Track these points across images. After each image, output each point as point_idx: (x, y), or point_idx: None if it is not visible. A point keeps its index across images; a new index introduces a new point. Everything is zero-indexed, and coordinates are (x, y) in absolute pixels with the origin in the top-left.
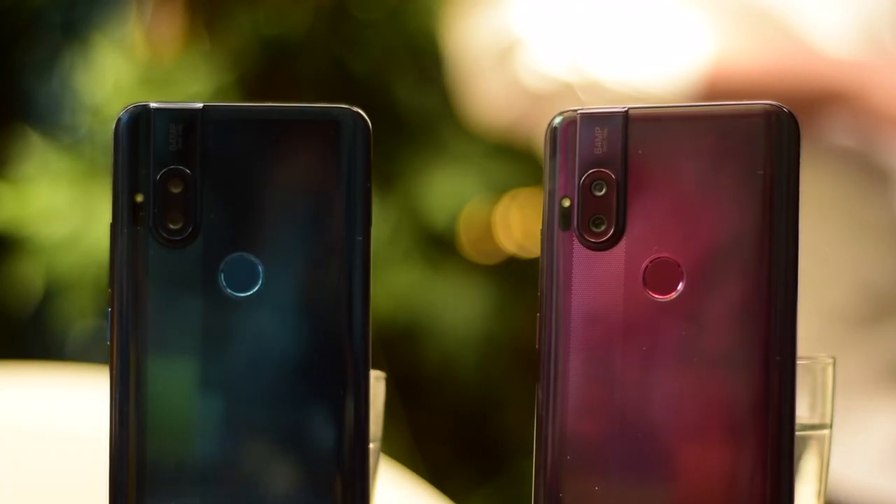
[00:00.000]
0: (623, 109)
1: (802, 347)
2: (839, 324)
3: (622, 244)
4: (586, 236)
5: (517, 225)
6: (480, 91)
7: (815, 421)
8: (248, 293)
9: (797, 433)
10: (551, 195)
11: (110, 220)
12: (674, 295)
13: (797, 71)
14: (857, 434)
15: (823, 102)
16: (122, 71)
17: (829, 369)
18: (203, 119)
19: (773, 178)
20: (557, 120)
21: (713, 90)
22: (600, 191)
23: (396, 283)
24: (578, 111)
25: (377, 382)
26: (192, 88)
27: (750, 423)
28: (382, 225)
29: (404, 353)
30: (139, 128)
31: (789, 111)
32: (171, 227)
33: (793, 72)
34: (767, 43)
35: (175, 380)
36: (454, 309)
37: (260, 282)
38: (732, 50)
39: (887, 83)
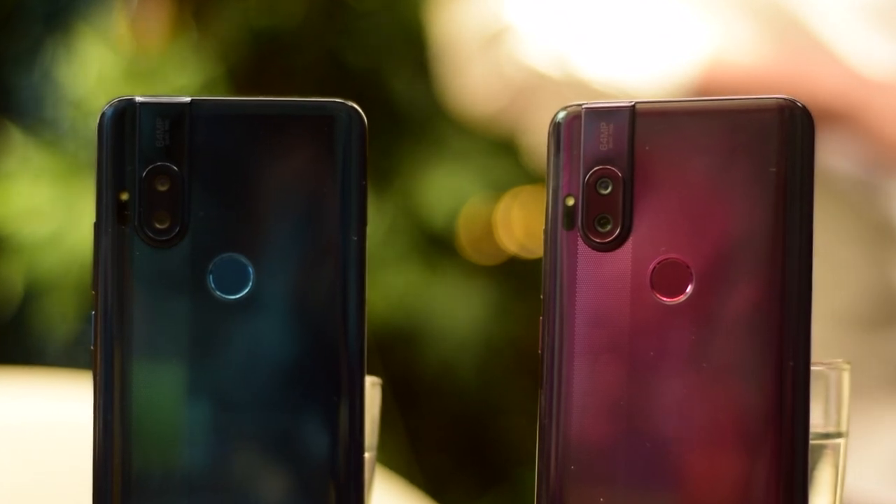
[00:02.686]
0: (630, 104)
1: (813, 353)
2: (849, 328)
3: (629, 244)
4: (591, 236)
5: (519, 224)
6: (464, 79)
7: (830, 429)
8: (238, 295)
9: (811, 442)
10: (555, 193)
11: (94, 219)
12: (682, 297)
13: (796, 83)
14: (868, 442)
15: (822, 120)
16: (107, 63)
17: (845, 375)
18: (191, 114)
19: (786, 175)
20: (561, 115)
21: (706, 93)
22: (606, 189)
23: (393, 285)
24: (583, 106)
25: (373, 388)
26: (180, 81)
27: (762, 431)
28: (378, 224)
29: (401, 357)
30: (124, 123)
31: (803, 106)
32: (158, 226)
33: (792, 82)
34: (768, 43)
35: (162, 385)
36: (453, 311)
37: (250, 284)
38: (731, 50)
39: (889, 107)
